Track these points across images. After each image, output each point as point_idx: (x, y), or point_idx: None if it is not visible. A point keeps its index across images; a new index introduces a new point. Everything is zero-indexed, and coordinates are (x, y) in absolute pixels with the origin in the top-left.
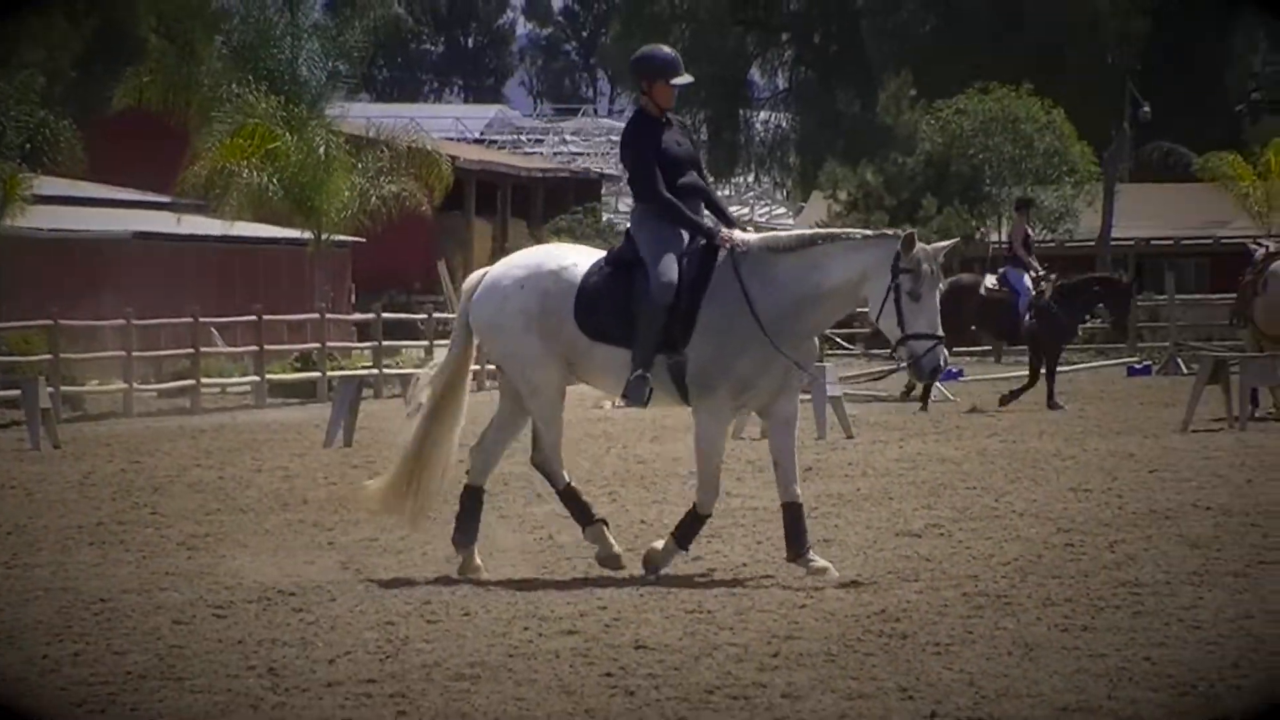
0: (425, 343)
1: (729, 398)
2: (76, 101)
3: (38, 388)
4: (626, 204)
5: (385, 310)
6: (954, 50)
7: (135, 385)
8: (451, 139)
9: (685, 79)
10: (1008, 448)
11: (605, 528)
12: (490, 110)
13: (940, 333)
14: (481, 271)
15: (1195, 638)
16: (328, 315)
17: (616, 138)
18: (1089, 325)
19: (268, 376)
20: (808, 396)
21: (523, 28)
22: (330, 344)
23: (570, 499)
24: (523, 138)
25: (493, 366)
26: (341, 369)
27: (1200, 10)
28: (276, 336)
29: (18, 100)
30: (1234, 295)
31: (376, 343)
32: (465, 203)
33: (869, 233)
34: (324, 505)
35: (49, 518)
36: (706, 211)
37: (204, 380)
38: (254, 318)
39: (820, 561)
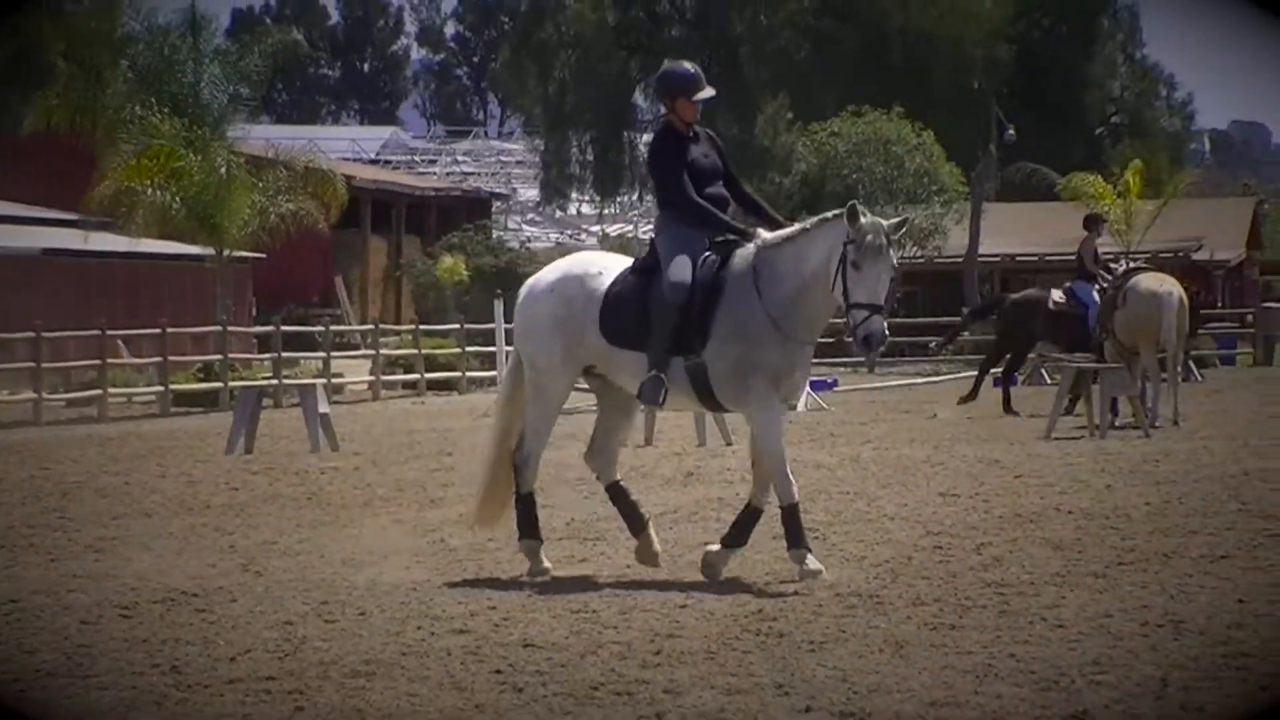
0: (323, 354)
1: (770, 387)
2: None
3: None
4: (515, 221)
5: (284, 323)
6: (828, 75)
7: (44, 395)
8: (348, 159)
9: (706, 93)
10: (879, 455)
11: (540, 548)
12: (385, 132)
13: (880, 303)
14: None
15: (1058, 635)
16: (229, 328)
17: (506, 158)
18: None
19: (172, 386)
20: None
21: (416, 53)
22: (231, 355)
23: (525, 507)
24: (416, 158)
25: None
26: (242, 379)
27: (1062, 38)
28: (180, 348)
29: None
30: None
31: (276, 354)
32: (361, 220)
33: (836, 212)
34: (225, 510)
35: None
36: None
37: (111, 390)
38: (159, 330)
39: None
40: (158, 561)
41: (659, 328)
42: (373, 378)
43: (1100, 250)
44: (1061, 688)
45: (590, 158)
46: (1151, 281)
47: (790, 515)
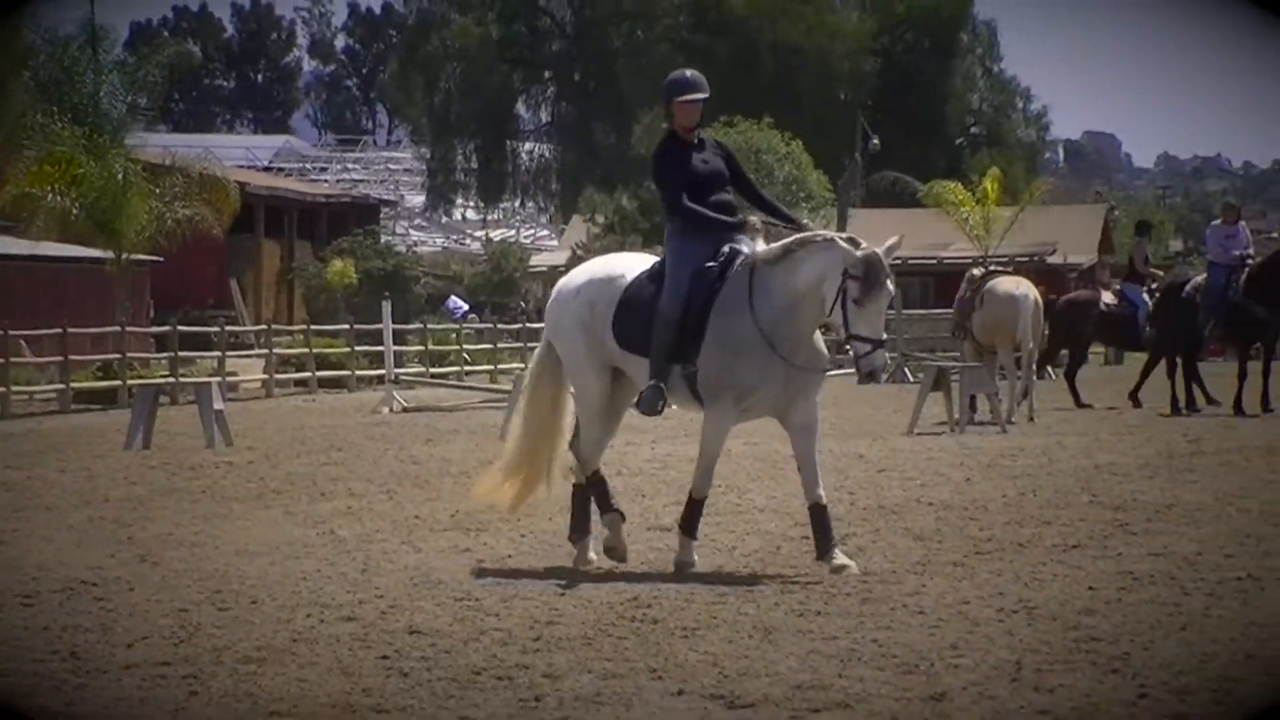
0: (218, 353)
1: (733, 404)
2: None
3: None
4: (402, 226)
5: (181, 324)
6: None
7: None
8: (243, 167)
9: (693, 95)
10: (750, 449)
11: (621, 519)
12: (278, 140)
13: (881, 337)
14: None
15: (918, 621)
16: (128, 328)
17: (394, 166)
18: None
19: (72, 384)
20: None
21: (308, 65)
22: (130, 355)
23: (596, 486)
24: (308, 166)
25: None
26: (140, 378)
27: (924, 53)
28: (80, 348)
29: None
30: (954, 310)
31: (173, 353)
32: (255, 225)
33: (829, 235)
34: (124, 503)
35: None
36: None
37: (13, 388)
38: (59, 330)
39: (842, 559)
40: (58, 552)
41: (657, 340)
42: (266, 376)
43: (1149, 255)
44: (921, 671)
45: (474, 165)
46: (1008, 284)
47: (694, 507)
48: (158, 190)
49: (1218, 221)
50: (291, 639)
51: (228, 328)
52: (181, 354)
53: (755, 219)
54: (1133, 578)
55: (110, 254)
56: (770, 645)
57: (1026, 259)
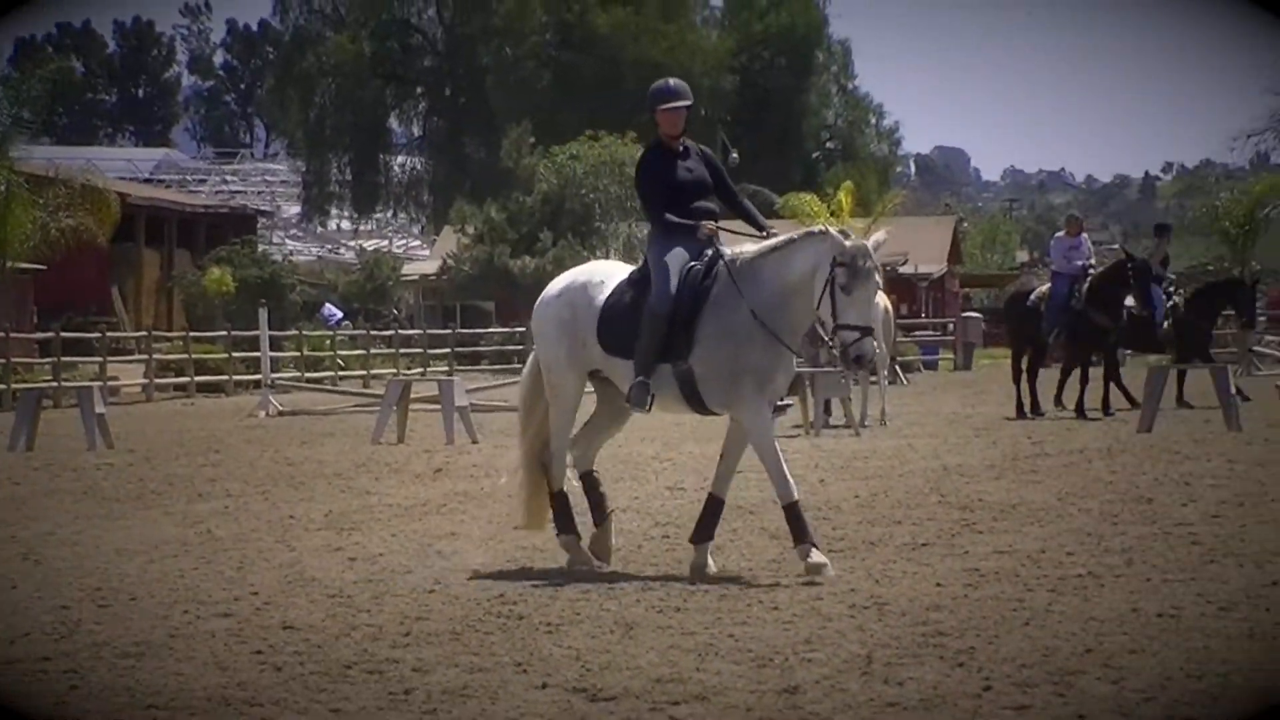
0: (100, 359)
1: (757, 389)
2: None
3: None
4: (279, 236)
5: (64, 330)
6: (568, 102)
7: None
8: (124, 179)
9: (676, 103)
10: (612, 451)
11: (579, 542)
12: (159, 153)
13: (870, 325)
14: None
15: (773, 617)
16: (11, 334)
17: (271, 178)
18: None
19: None
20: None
21: (187, 80)
22: (13, 359)
23: (560, 503)
24: (188, 178)
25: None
26: (24, 382)
27: (781, 70)
28: None
29: None
30: None
31: (55, 358)
32: (136, 235)
33: (821, 228)
34: (7, 503)
35: None
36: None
37: None
38: None
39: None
40: None
41: (646, 337)
42: (146, 381)
43: (1168, 256)
44: (776, 665)
45: (348, 177)
46: None
47: (792, 512)
48: (41, 201)
49: (1061, 233)
50: (169, 635)
51: (109, 334)
52: (64, 359)
53: (711, 225)
54: (978, 575)
55: None
56: (631, 640)
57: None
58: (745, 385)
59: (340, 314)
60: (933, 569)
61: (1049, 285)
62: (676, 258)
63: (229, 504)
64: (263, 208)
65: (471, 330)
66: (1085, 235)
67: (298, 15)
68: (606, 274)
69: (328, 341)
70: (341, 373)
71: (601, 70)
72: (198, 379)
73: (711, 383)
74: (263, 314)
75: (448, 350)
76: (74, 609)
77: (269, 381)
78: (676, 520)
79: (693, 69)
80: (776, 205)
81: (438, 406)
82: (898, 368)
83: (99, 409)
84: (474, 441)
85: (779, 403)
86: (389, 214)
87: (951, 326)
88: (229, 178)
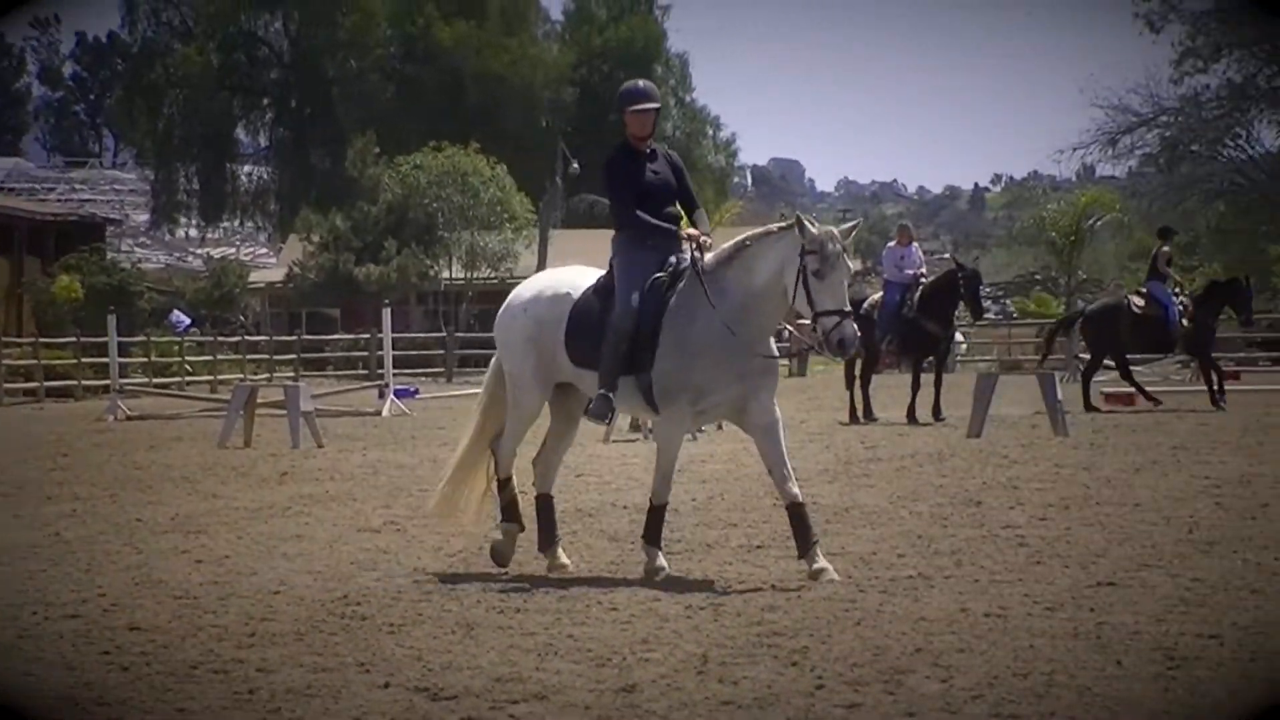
0: None
1: (688, 405)
2: None
3: None
4: (127, 243)
5: None
6: (412, 114)
7: None
8: None
9: (645, 105)
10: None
11: (519, 529)
12: (9, 162)
13: (847, 307)
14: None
15: (611, 618)
16: None
17: (120, 187)
18: None
19: None
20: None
21: (38, 90)
22: None
23: (506, 490)
24: (38, 186)
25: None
26: None
27: (619, 82)
28: None
29: None
30: None
31: None
32: None
33: (784, 224)
34: None
35: None
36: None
37: None
38: None
39: (821, 562)
40: None
41: (609, 351)
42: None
43: (1172, 256)
44: (614, 664)
45: (196, 186)
46: None
47: (654, 514)
48: None
49: (893, 243)
50: (18, 635)
51: None
52: None
53: (693, 232)
54: (808, 575)
55: None
56: (472, 640)
57: None
58: (679, 397)
59: (188, 320)
60: (767, 570)
61: (881, 294)
62: (641, 269)
63: (77, 507)
64: (111, 216)
65: (317, 337)
66: (916, 245)
67: (146, 27)
68: (571, 284)
69: (176, 347)
70: (189, 378)
71: (444, 82)
72: (47, 384)
73: (657, 386)
74: (111, 320)
75: (294, 356)
76: None
77: (117, 387)
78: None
79: (534, 82)
80: None
81: (284, 411)
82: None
83: None
84: (319, 446)
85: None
86: (236, 222)
87: (787, 334)
88: (78, 186)
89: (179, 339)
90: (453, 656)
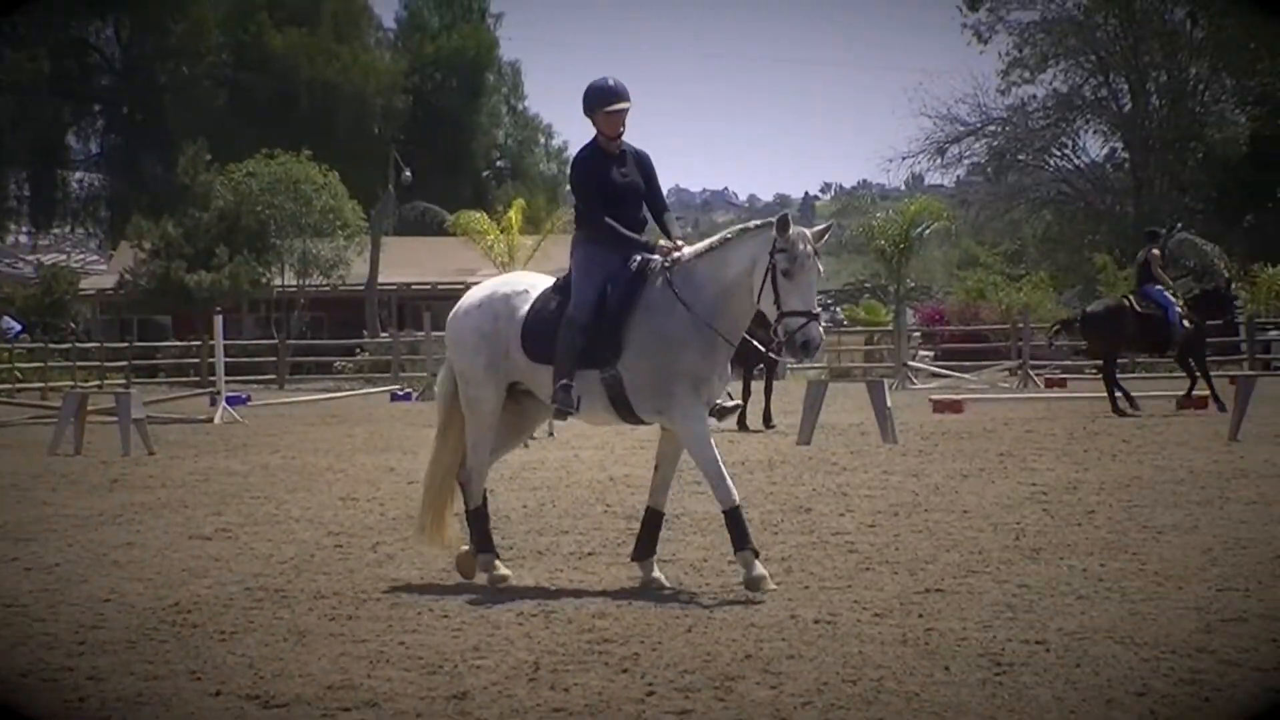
0: None
1: (693, 393)
2: None
3: None
4: None
5: None
6: (244, 121)
7: None
8: None
9: (619, 106)
10: (287, 463)
11: (497, 560)
12: None
13: (815, 309)
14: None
15: (443, 625)
16: None
17: None
18: None
19: None
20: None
21: None
22: None
23: (477, 521)
24: None
25: None
26: None
27: (452, 91)
28: None
29: None
30: None
31: None
32: None
33: (759, 222)
34: None
35: None
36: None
37: None
38: None
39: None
40: None
41: (563, 343)
42: None
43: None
44: (445, 671)
45: (26, 193)
46: None
47: (733, 518)
48: None
49: None
50: None
51: None
52: None
53: (668, 243)
54: (643, 582)
55: None
56: (304, 648)
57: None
58: (679, 389)
59: (19, 327)
60: (599, 577)
61: None
62: (601, 264)
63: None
64: None
65: (148, 344)
66: None
67: None
68: (529, 283)
69: (5, 354)
70: (19, 384)
71: (277, 89)
72: None
73: (642, 389)
74: None
75: (125, 363)
76: None
77: None
78: (349, 530)
79: (366, 89)
80: (447, 223)
81: (115, 418)
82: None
83: None
84: (150, 453)
85: (726, 404)
86: (67, 229)
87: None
88: None
89: (9, 346)
90: (284, 664)
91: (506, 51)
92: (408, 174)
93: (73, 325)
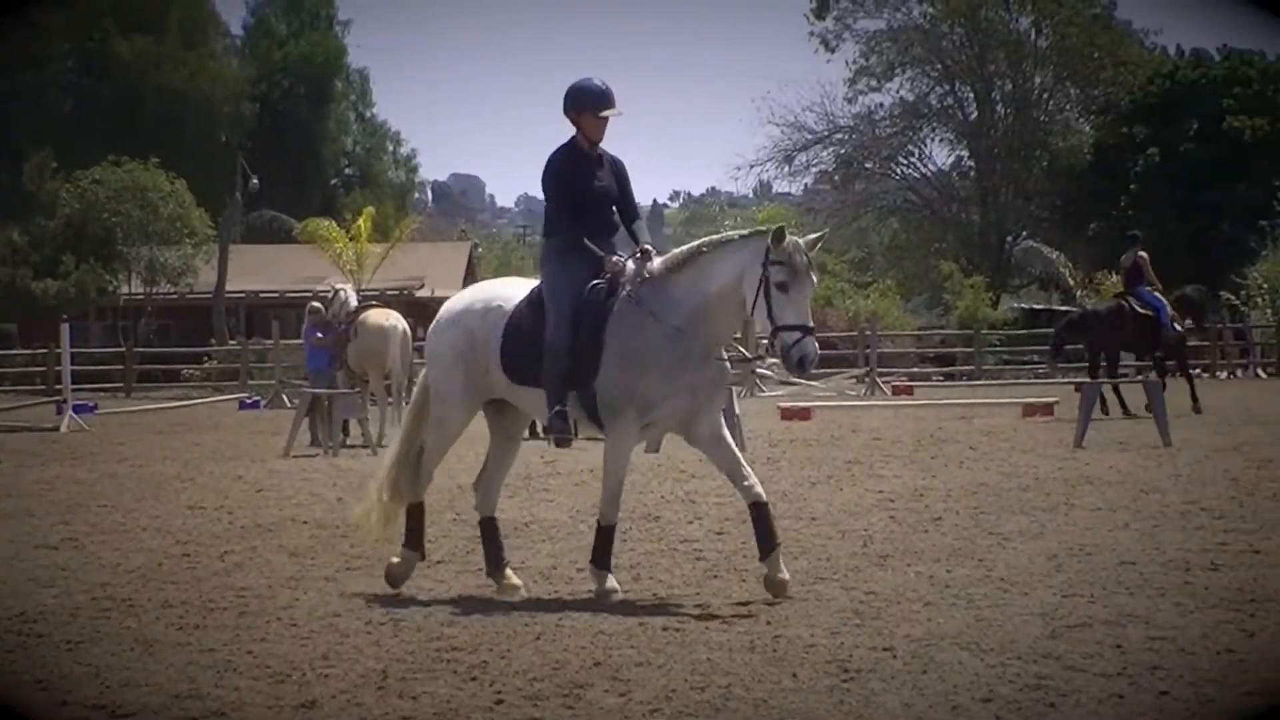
0: None
1: (635, 419)
2: None
3: None
4: None
5: None
6: (90, 128)
7: None
8: None
9: (610, 112)
10: (134, 471)
11: (418, 557)
12: None
13: (809, 323)
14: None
15: (291, 633)
16: None
17: None
18: None
19: None
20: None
21: None
22: None
23: (413, 519)
24: None
25: None
26: None
27: (300, 98)
28: None
29: None
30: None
31: None
32: None
33: (745, 232)
34: None
35: None
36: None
37: None
38: None
39: (784, 572)
40: None
41: (550, 372)
42: None
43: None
44: (293, 680)
45: None
46: (379, 317)
47: (603, 535)
48: None
49: None
50: None
51: None
52: None
53: (617, 258)
54: (491, 590)
55: None
56: (151, 657)
57: (396, 293)
58: (625, 412)
59: None
60: (448, 585)
61: None
62: (570, 280)
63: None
64: None
65: None
66: None
67: None
68: (504, 296)
69: None
70: None
71: (123, 96)
72: None
73: (602, 401)
74: None
75: None
76: None
77: None
78: (197, 539)
79: (214, 96)
80: (296, 231)
81: None
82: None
83: None
84: None
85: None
86: None
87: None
88: None
89: None
90: (131, 674)
91: (355, 59)
92: (255, 181)
93: None
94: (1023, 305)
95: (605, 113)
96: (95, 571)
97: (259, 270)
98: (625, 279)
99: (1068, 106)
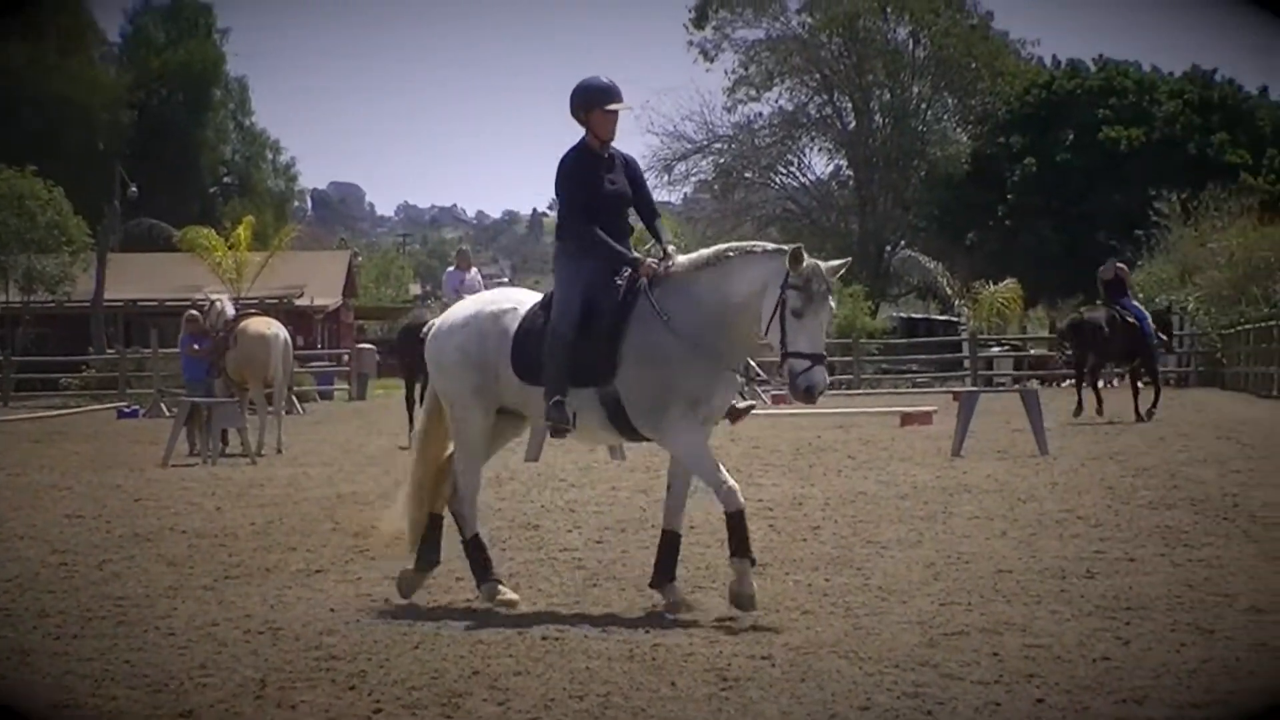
0: None
1: (687, 415)
2: None
3: None
4: None
5: None
6: None
7: None
8: None
9: (615, 105)
10: (10, 480)
11: (500, 585)
12: None
13: (822, 352)
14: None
15: (169, 643)
16: None
17: None
18: None
19: None
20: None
21: None
22: None
23: (475, 550)
24: None
25: None
26: None
27: (179, 105)
28: None
29: None
30: (204, 348)
31: None
32: None
33: (770, 246)
34: None
35: None
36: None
37: None
38: None
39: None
40: None
41: (549, 358)
42: None
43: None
44: (171, 690)
45: None
46: (260, 325)
47: (736, 524)
48: None
49: (453, 267)
50: None
51: None
52: None
53: (652, 261)
54: (370, 600)
55: None
56: (27, 667)
57: (276, 301)
58: (673, 409)
59: None
60: (326, 595)
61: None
62: (585, 275)
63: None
64: None
65: None
66: (476, 269)
67: None
68: (516, 300)
69: None
70: None
71: (0, 103)
72: None
73: (638, 405)
74: None
75: None
76: None
77: None
78: (74, 548)
79: (92, 104)
80: (175, 238)
81: None
82: (294, 398)
83: None
84: None
85: (739, 404)
86: None
87: (346, 357)
88: None
89: None
90: (7, 684)
91: (234, 66)
92: (134, 189)
93: None
94: (901, 314)
95: (613, 107)
96: None
97: (138, 279)
98: (647, 278)
99: (945, 116)
